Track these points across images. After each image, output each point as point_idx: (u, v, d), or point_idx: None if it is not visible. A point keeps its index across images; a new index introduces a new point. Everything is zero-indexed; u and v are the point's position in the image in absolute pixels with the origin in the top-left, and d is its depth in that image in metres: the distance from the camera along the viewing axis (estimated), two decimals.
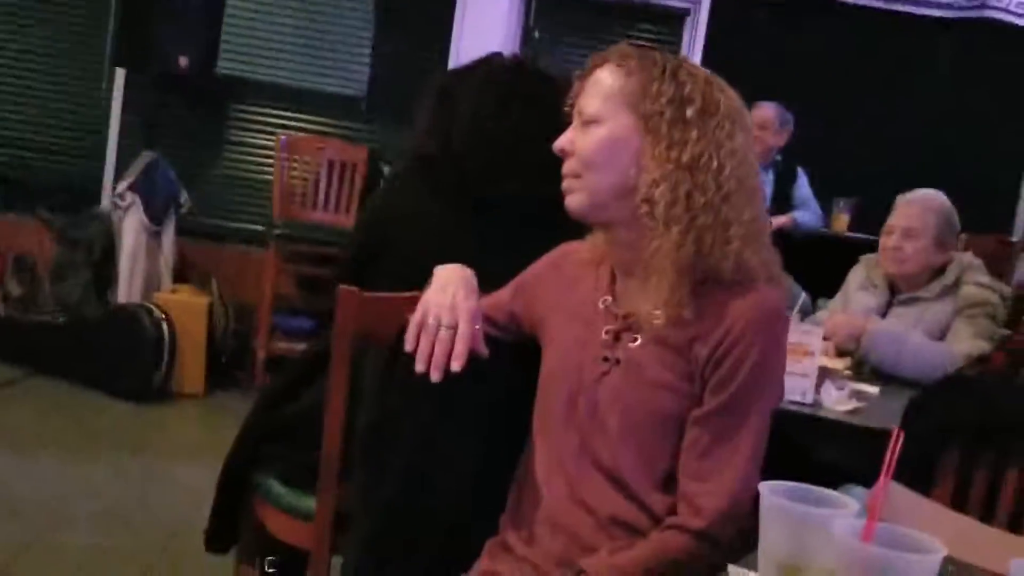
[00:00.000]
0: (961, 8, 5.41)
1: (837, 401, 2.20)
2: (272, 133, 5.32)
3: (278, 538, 2.02)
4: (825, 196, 5.02)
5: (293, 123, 5.42)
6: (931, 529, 0.98)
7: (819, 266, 4.68)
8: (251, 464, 2.08)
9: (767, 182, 4.81)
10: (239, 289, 5.03)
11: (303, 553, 1.94)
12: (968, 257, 2.83)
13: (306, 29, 5.42)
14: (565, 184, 1.48)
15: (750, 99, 4.98)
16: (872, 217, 4.70)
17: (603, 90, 1.45)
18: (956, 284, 2.73)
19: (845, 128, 5.51)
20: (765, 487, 1.03)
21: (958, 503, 1.78)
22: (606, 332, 1.48)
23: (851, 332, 2.61)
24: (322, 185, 5.12)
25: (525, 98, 2.04)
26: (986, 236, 5.06)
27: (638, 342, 1.45)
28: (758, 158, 4.97)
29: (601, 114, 1.44)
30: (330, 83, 5.47)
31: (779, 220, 4.69)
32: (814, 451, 2.25)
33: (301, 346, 4.57)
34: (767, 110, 4.78)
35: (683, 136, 1.40)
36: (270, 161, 5.26)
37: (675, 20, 5.65)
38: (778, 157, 4.84)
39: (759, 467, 1.39)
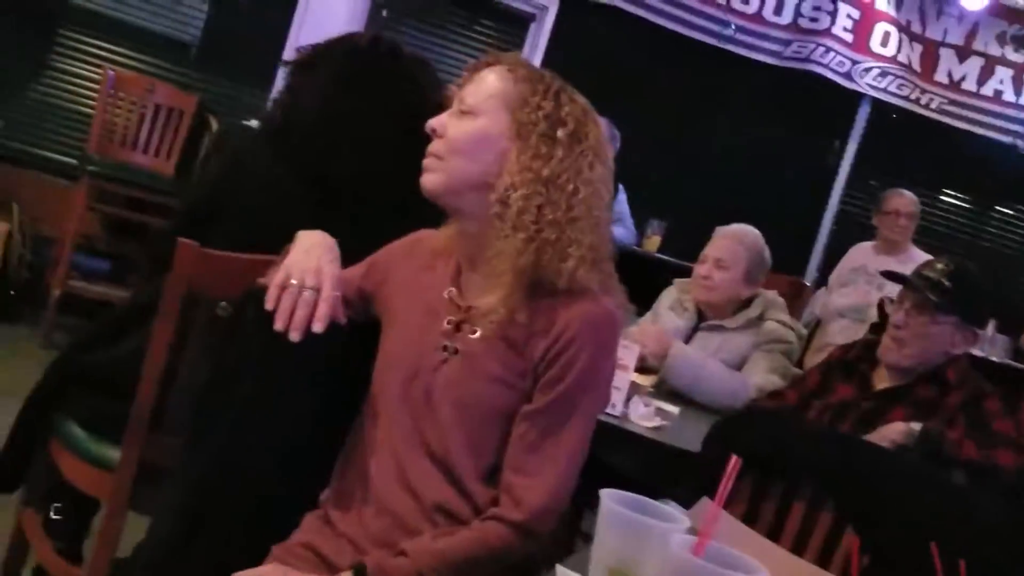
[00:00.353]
0: (788, 58, 5.75)
1: (643, 417, 2.28)
2: (99, 66, 5.02)
3: (71, 484, 1.97)
4: (640, 215, 5.20)
5: (122, 59, 5.13)
6: (750, 553, 1.04)
7: (627, 282, 4.89)
8: (53, 405, 2.01)
9: None
10: (40, 220, 4.74)
11: (92, 503, 1.90)
12: (773, 295, 2.99)
13: None
14: (426, 162, 1.52)
15: None
16: (679, 241, 4.94)
17: (488, 87, 1.51)
18: (759, 318, 2.88)
19: (667, 152, 5.74)
20: (605, 494, 1.06)
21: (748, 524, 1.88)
22: (448, 322, 1.52)
23: (658, 347, 2.69)
24: (145, 127, 4.90)
25: (374, 79, 2.06)
26: (782, 276, 5.40)
27: (477, 335, 1.49)
28: None
29: (480, 108, 1.50)
30: (164, 24, 5.22)
31: None
32: (617, 462, 2.35)
33: (98, 287, 4.49)
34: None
35: (549, 152, 1.46)
36: (92, 94, 4.98)
37: (519, 22, 5.72)
38: None
39: (580, 466, 1.46)
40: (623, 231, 4.97)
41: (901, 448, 2.23)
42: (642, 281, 3.39)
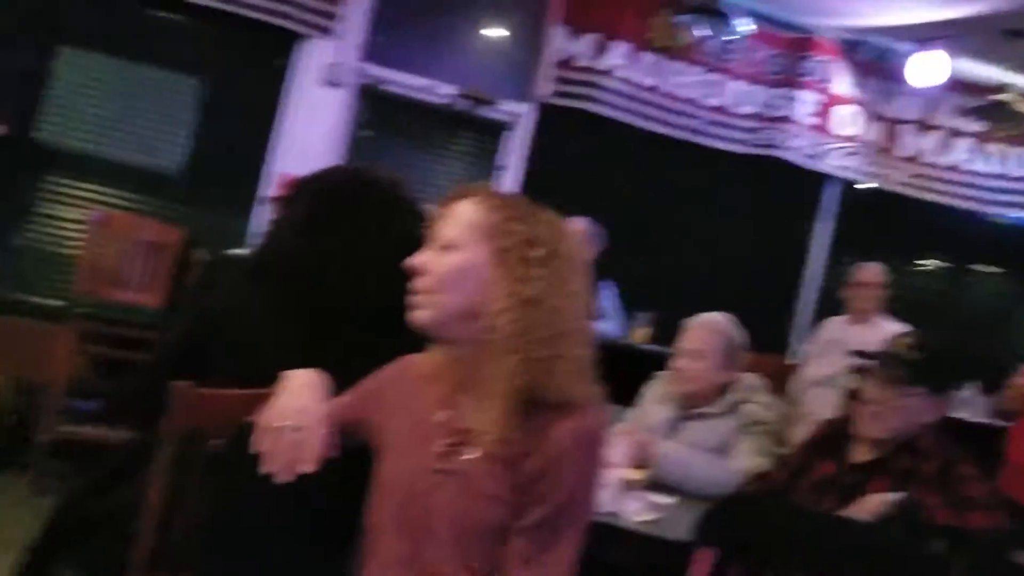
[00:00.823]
0: (756, 145, 5.98)
1: (636, 512, 2.36)
2: (82, 207, 5.12)
3: None
4: (628, 308, 5.35)
5: (104, 198, 5.22)
6: None
7: (619, 375, 5.00)
8: (53, 557, 2.01)
9: None
10: (27, 365, 4.63)
11: None
12: (752, 377, 3.09)
13: (130, 105, 5.33)
14: (413, 300, 1.58)
15: (565, 212, 5.27)
16: (670, 330, 5.07)
17: (463, 220, 1.58)
18: (740, 402, 2.97)
19: (650, 245, 5.93)
20: None
21: None
22: (441, 445, 1.57)
23: (643, 455, 2.75)
24: (131, 264, 4.91)
25: (354, 212, 2.10)
26: (765, 356, 5.53)
27: (472, 455, 1.54)
28: None
29: (458, 241, 1.57)
30: (148, 160, 5.34)
31: None
32: (616, 559, 2.45)
33: (89, 430, 4.28)
34: (579, 223, 5.09)
35: (529, 273, 1.53)
36: (77, 235, 5.04)
37: (497, 131, 5.93)
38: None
39: (575, 574, 1.52)
40: (612, 325, 5.11)
41: (882, 520, 2.33)
42: (632, 373, 3.54)
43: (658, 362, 3.29)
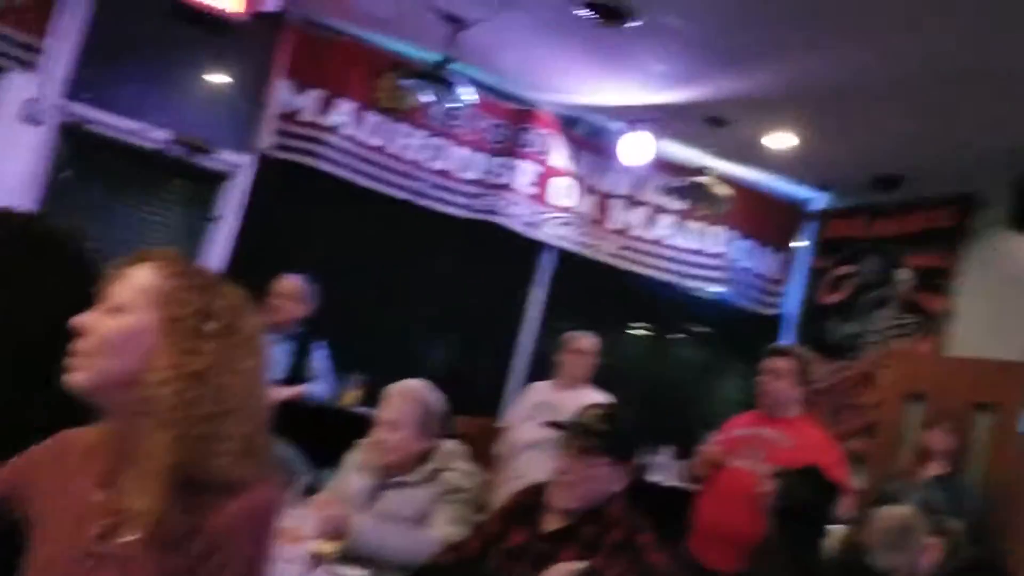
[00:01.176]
0: (477, 211, 6.10)
1: None
2: None
3: None
4: (341, 370, 5.25)
5: None
6: None
7: (329, 438, 4.87)
8: None
9: (287, 352, 4.93)
10: None
11: None
12: (452, 445, 3.08)
13: None
14: (72, 361, 1.49)
15: (279, 268, 5.13)
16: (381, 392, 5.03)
17: (136, 284, 1.51)
18: (438, 470, 2.97)
19: (367, 305, 5.87)
20: None
21: None
22: (98, 527, 1.46)
23: (336, 531, 2.69)
24: None
25: (23, 264, 1.94)
26: (478, 419, 5.60)
27: (129, 538, 1.44)
28: (281, 328, 5.03)
29: (127, 305, 1.50)
30: None
31: (293, 391, 4.81)
32: None
33: None
34: (293, 282, 4.95)
35: (199, 347, 1.47)
36: None
37: (214, 181, 5.72)
38: (299, 329, 5.00)
39: None
40: (321, 387, 4.98)
41: None
42: (342, 436, 3.45)
43: (369, 425, 3.22)
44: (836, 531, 4.19)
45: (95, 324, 1.49)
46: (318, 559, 2.47)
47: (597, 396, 4.86)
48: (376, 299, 5.97)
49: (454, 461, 3.02)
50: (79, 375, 1.47)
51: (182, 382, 1.45)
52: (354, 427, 3.28)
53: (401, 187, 5.94)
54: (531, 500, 2.71)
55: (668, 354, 6.82)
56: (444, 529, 2.82)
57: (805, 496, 3.83)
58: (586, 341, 5.07)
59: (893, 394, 5.80)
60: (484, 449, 5.14)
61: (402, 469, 2.98)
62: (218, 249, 5.69)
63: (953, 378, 5.41)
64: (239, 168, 5.69)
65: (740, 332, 6.77)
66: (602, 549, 2.52)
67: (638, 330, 6.76)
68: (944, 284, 5.82)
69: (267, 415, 1.57)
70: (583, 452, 2.59)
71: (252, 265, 5.40)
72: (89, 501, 1.49)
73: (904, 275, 6.09)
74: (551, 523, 2.62)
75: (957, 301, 5.76)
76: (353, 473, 3.08)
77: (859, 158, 5.93)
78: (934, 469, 4.92)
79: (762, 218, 6.75)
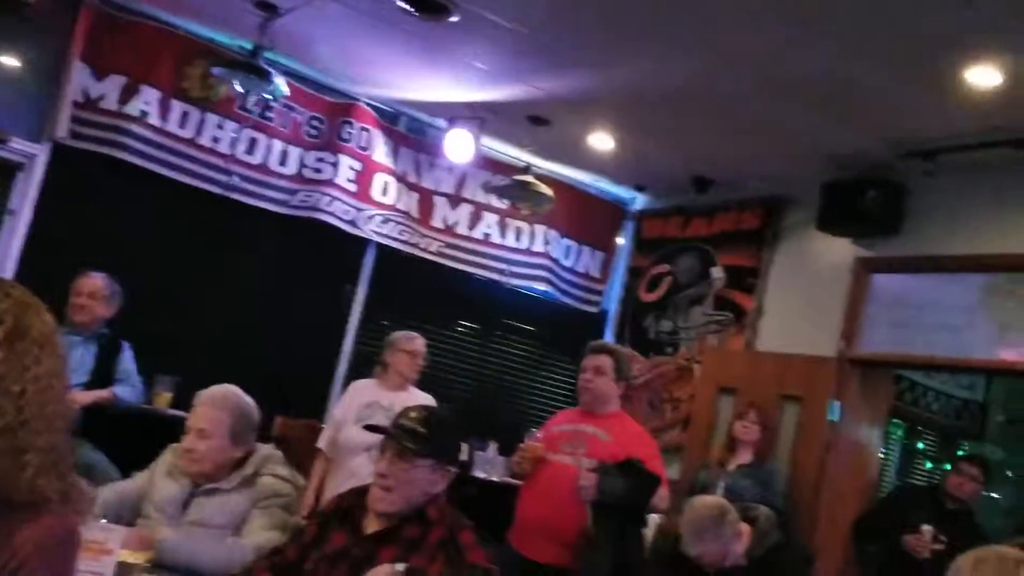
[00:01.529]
0: (295, 206, 5.91)
1: None
2: None
3: None
4: (150, 371, 4.98)
5: None
6: None
7: (139, 442, 4.62)
8: None
9: (92, 354, 4.64)
10: None
11: None
12: (268, 449, 2.98)
13: None
14: None
15: (80, 265, 4.83)
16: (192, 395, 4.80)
17: None
18: (255, 475, 2.85)
19: (177, 304, 5.58)
20: None
21: None
22: None
23: (141, 549, 2.57)
24: None
25: None
26: (301, 421, 5.43)
27: None
28: (84, 328, 4.75)
29: None
30: None
31: (99, 394, 4.54)
32: None
33: None
34: (96, 280, 4.67)
35: None
36: None
37: (5, 172, 5.31)
38: (104, 330, 4.71)
39: None
40: (129, 390, 4.71)
41: None
42: (153, 440, 3.26)
43: (182, 428, 3.05)
44: (654, 521, 4.31)
45: None
46: (127, 569, 2.35)
47: (424, 397, 4.82)
48: (189, 298, 5.67)
49: (271, 466, 2.91)
50: None
51: None
52: (166, 431, 3.14)
53: (214, 181, 5.68)
54: (351, 503, 2.63)
55: (493, 351, 6.81)
56: (260, 535, 2.72)
57: (624, 489, 3.90)
58: (419, 342, 5.03)
59: (707, 388, 6.01)
60: (308, 450, 5.00)
61: (215, 476, 2.85)
62: (11, 245, 5.29)
63: (762, 372, 5.66)
64: (33, 158, 5.30)
65: (563, 329, 6.85)
66: (424, 549, 2.48)
67: (462, 327, 6.72)
68: (754, 283, 6.07)
69: (68, 422, 1.49)
70: (402, 455, 2.53)
71: (49, 263, 5.06)
72: None
73: (717, 273, 6.31)
74: (371, 525, 2.55)
75: (766, 298, 6.01)
76: (165, 478, 2.93)
77: (674, 160, 6.11)
78: (741, 458, 5.14)
79: (584, 218, 6.86)
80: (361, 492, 2.64)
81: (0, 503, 1.37)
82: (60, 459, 1.44)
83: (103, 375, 4.63)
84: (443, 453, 2.60)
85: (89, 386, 4.56)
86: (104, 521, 2.39)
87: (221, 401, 2.90)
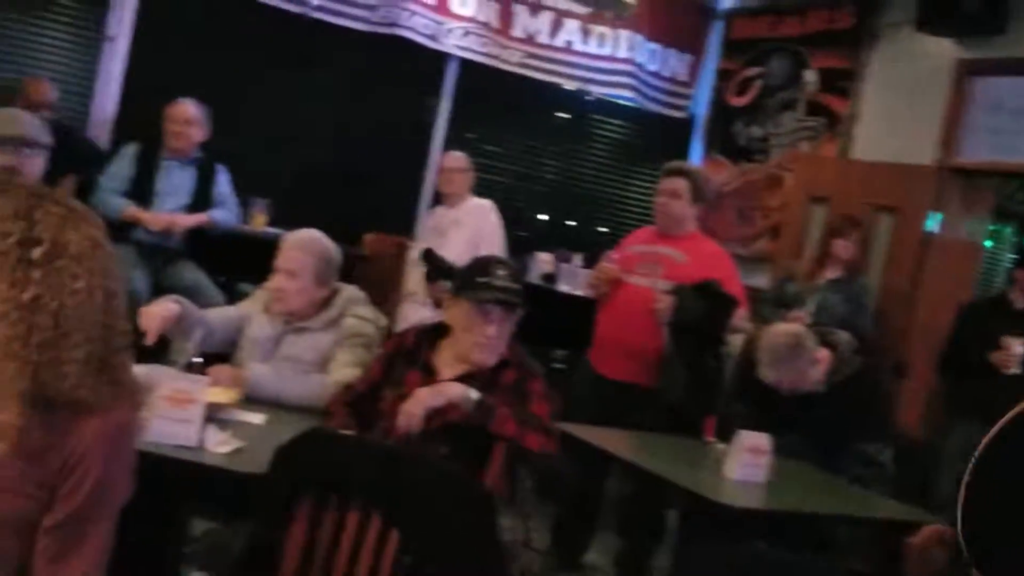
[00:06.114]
0: (377, 23, 5.85)
1: (218, 443, 2.34)
2: None
3: None
4: (244, 194, 5.16)
5: None
6: None
7: (239, 260, 4.88)
8: None
9: (190, 178, 4.84)
10: None
11: None
12: (352, 290, 3.13)
13: None
14: None
15: (172, 95, 4.95)
16: (288, 214, 5.01)
17: None
18: (340, 316, 3.03)
19: (266, 127, 5.70)
20: None
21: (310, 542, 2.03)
22: None
23: (234, 384, 2.78)
24: None
25: None
26: (390, 237, 5.62)
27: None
28: (182, 153, 4.96)
29: None
30: None
31: (198, 218, 4.78)
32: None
33: None
34: (188, 106, 4.79)
35: (26, 276, 1.47)
36: None
37: (99, 5, 5.43)
38: (199, 154, 4.89)
39: (104, 570, 1.55)
40: (227, 213, 4.94)
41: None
42: (254, 258, 3.46)
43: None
44: (733, 342, 4.38)
45: None
46: (216, 408, 2.51)
47: (476, 204, 5.07)
48: (277, 119, 5.79)
49: (354, 307, 3.07)
50: None
51: (16, 314, 1.46)
52: (264, 250, 3.21)
53: (294, 1, 5.66)
54: (416, 344, 2.75)
55: (577, 162, 6.79)
56: (342, 372, 2.89)
57: (701, 311, 3.97)
58: (450, 159, 5.20)
59: (797, 197, 5.92)
60: (398, 266, 5.21)
61: (303, 316, 3.03)
62: (112, 70, 5.49)
63: (856, 181, 5.52)
64: None
65: (650, 136, 6.77)
66: (496, 387, 2.62)
67: (546, 138, 6.68)
68: (848, 86, 5.85)
69: (118, 332, 1.58)
70: (511, 313, 2.65)
71: (147, 89, 5.24)
72: None
73: (810, 77, 6.09)
74: (444, 365, 2.68)
75: (861, 103, 5.81)
76: (259, 316, 3.12)
77: None
78: (831, 272, 5.03)
79: (670, 19, 6.60)
80: (422, 332, 2.78)
81: (55, 404, 1.50)
82: (109, 368, 1.54)
83: (202, 196, 4.84)
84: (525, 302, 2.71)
85: (191, 208, 4.80)
86: (197, 359, 2.56)
87: (308, 244, 3.04)
